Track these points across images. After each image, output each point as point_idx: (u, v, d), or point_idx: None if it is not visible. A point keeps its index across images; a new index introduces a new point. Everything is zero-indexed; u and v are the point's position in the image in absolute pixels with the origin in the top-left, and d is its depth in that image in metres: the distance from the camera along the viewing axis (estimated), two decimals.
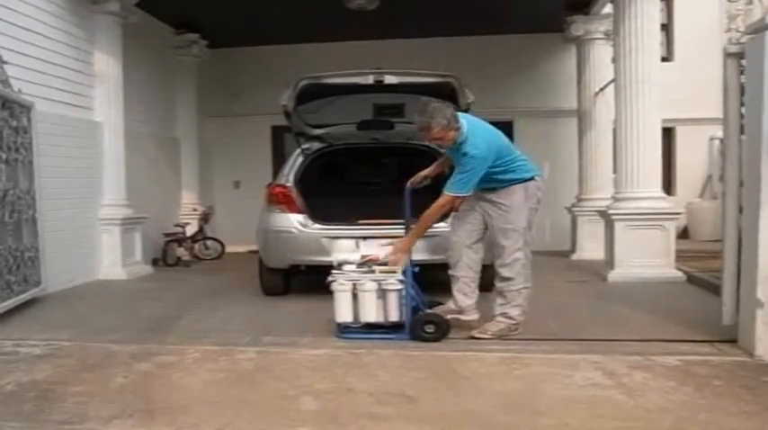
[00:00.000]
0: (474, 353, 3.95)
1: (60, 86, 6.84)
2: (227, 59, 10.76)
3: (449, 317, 4.56)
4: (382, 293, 4.35)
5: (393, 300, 4.35)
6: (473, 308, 4.63)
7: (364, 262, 4.53)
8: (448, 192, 4.36)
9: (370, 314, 4.35)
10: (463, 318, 4.58)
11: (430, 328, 4.28)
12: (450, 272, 4.66)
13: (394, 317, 4.35)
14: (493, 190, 4.47)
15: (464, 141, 4.34)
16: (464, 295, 4.60)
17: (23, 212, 5.64)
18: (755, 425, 2.83)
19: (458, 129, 4.34)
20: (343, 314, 4.38)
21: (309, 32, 9.83)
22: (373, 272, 4.42)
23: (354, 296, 4.37)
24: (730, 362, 3.71)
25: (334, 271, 4.50)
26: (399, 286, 4.34)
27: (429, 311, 4.47)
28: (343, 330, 4.43)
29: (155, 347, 4.17)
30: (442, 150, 6.26)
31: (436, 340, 4.24)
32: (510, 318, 4.43)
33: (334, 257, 4.72)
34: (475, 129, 4.38)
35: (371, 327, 4.40)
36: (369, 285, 4.34)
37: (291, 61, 9.50)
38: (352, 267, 4.52)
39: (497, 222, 4.44)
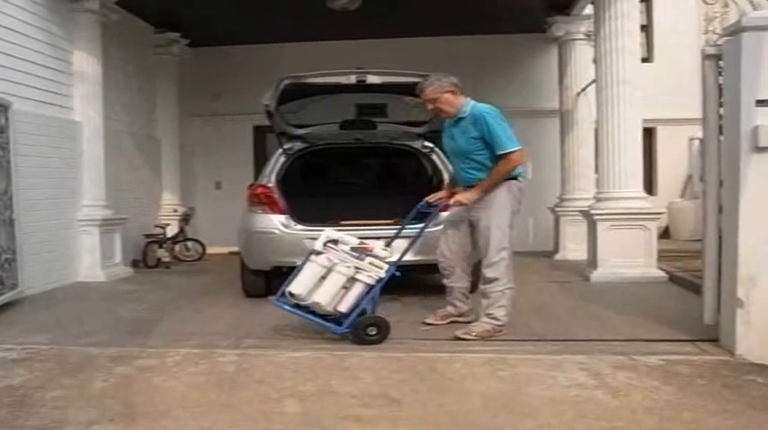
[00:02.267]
0: (458, 355, 3.93)
1: (39, 85, 6.74)
2: (209, 59, 10.66)
3: (448, 321, 4.69)
4: (350, 282, 4.30)
5: (356, 292, 4.29)
6: (471, 310, 4.72)
7: (359, 248, 4.44)
8: (508, 150, 4.30)
9: (326, 296, 4.25)
10: (462, 320, 4.68)
11: (372, 331, 4.24)
12: (444, 281, 4.78)
13: (344, 307, 4.26)
14: (470, 186, 4.51)
15: (471, 110, 4.43)
16: (462, 302, 4.77)
17: (0, 214, 5.54)
18: (738, 423, 2.85)
19: (454, 92, 4.44)
20: (302, 285, 4.27)
21: (292, 32, 9.78)
22: (362, 260, 4.36)
23: (323, 276, 4.30)
24: (712, 362, 3.73)
25: (328, 243, 4.40)
26: (371, 282, 4.30)
27: (370, 314, 4.37)
28: (280, 298, 4.37)
29: (135, 350, 4.11)
30: (425, 150, 6.31)
31: (378, 342, 4.21)
32: (495, 319, 4.41)
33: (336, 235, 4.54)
34: (481, 104, 4.52)
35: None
36: (344, 269, 4.28)
37: (274, 61, 9.46)
38: (346, 248, 4.42)
39: (482, 221, 4.44)
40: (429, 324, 4.76)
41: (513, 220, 4.50)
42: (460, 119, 4.49)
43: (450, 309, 4.77)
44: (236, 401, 3.19)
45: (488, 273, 4.42)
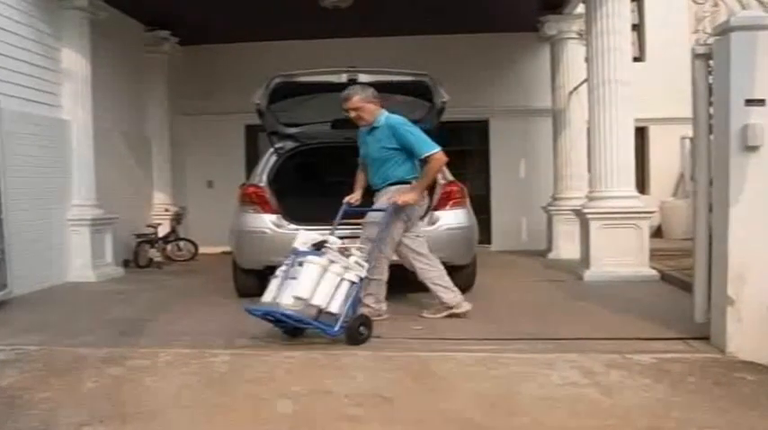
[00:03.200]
0: (450, 354, 3.94)
1: (26, 83, 6.68)
2: (200, 57, 10.62)
3: (443, 315, 4.86)
4: (339, 282, 4.30)
5: (343, 291, 4.28)
6: (459, 300, 4.91)
7: (342, 247, 4.47)
8: (431, 152, 4.70)
9: (324, 297, 4.21)
10: (456, 311, 4.89)
11: (363, 330, 4.27)
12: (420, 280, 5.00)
13: (335, 308, 4.23)
14: (379, 190, 4.89)
15: (385, 121, 4.81)
16: (442, 293, 4.90)
17: None
18: (728, 420, 2.86)
19: (374, 103, 4.84)
20: (308, 288, 4.16)
21: (283, 30, 9.74)
22: (347, 257, 4.36)
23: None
24: (703, 359, 3.75)
25: (327, 245, 4.40)
26: (356, 280, 4.31)
27: (360, 313, 4.42)
28: (272, 307, 4.20)
29: (126, 351, 4.08)
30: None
31: (367, 340, 4.23)
32: (366, 305, 4.71)
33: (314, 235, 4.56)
34: (393, 115, 4.89)
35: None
36: (339, 269, 4.28)
37: (265, 59, 9.41)
38: (335, 248, 4.42)
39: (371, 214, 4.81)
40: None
41: (401, 218, 4.79)
42: (375, 128, 4.87)
43: (437, 304, 5.00)
44: (228, 401, 3.18)
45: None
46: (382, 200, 4.87)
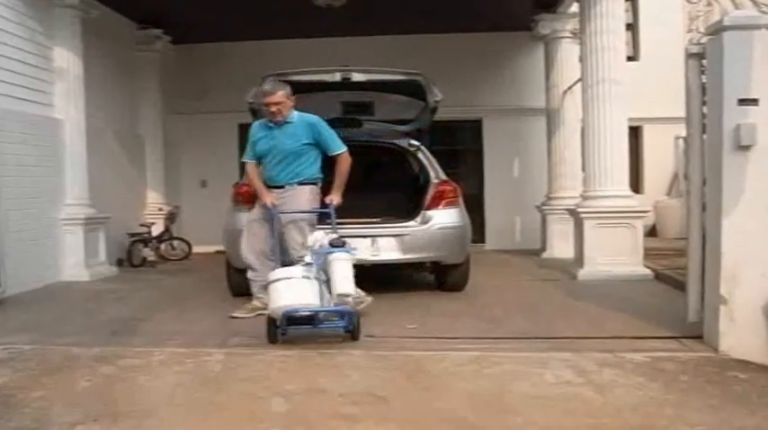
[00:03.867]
0: (444, 353, 3.94)
1: (18, 82, 6.64)
2: (193, 56, 10.58)
3: (255, 314, 4.87)
4: None
5: None
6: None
7: None
8: (342, 151, 4.97)
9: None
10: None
11: (360, 326, 4.30)
12: (250, 275, 5.15)
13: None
14: (283, 186, 4.99)
15: (299, 118, 4.96)
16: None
17: None
18: (720, 418, 2.88)
19: (292, 100, 4.96)
20: (350, 284, 4.14)
21: (276, 29, 9.72)
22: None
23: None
24: (696, 358, 3.77)
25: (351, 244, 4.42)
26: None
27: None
28: (321, 308, 4.12)
29: (119, 350, 4.07)
30: (411, 148, 6.30)
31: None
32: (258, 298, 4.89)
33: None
34: (306, 113, 5.03)
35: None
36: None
37: (258, 58, 9.39)
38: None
39: (288, 217, 4.90)
40: (236, 317, 4.99)
41: (314, 219, 4.99)
42: (287, 123, 4.97)
43: (256, 302, 5.00)
44: (222, 400, 3.17)
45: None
46: (298, 201, 4.91)
